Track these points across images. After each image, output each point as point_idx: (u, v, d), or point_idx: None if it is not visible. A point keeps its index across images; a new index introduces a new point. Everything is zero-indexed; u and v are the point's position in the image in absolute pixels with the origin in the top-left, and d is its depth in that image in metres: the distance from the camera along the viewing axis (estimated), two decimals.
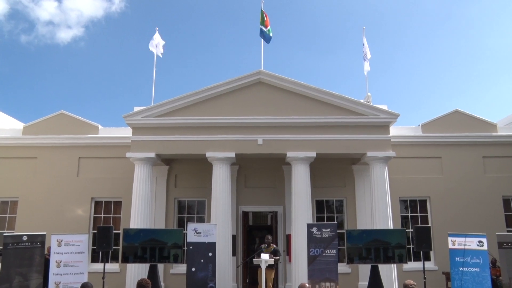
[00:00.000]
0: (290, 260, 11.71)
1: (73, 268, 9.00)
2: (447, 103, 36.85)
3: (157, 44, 13.26)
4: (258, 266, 9.80)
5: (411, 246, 12.04)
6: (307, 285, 6.40)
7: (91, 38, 36.87)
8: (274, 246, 10.50)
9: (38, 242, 8.82)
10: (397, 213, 12.58)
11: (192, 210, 13.18)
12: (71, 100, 35.32)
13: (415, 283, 6.12)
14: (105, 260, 9.64)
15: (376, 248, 9.09)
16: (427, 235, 9.07)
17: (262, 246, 10.41)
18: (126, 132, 12.81)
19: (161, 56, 13.37)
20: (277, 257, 10.21)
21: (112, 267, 12.15)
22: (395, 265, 10.50)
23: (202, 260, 9.54)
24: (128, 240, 9.47)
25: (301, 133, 11.25)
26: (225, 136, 11.23)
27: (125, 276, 10.84)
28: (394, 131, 12.74)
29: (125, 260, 9.48)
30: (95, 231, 10.68)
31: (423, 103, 36.86)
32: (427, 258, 12.21)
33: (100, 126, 13.38)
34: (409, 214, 12.97)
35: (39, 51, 35.79)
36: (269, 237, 10.50)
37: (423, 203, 12.97)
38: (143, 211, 11.00)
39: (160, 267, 11.64)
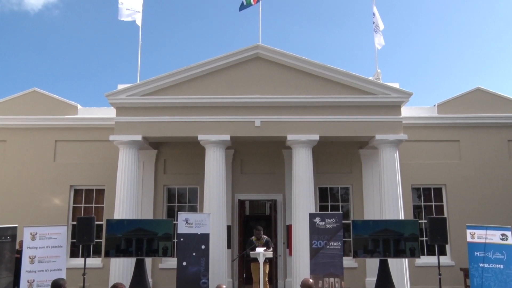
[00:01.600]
0: (290, 253, 11.77)
1: (49, 264, 8.88)
2: (467, 81, 36.15)
3: (129, 8, 12.86)
4: (252, 261, 10.06)
5: (424, 238, 12.07)
6: (310, 280, 6.35)
7: (67, 5, 35.32)
8: (266, 237, 10.53)
9: (8, 236, 8.64)
10: (409, 203, 12.55)
11: (183, 198, 13.19)
12: (44, 77, 34.28)
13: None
14: (86, 255, 9.48)
15: (385, 240, 9.04)
16: (443, 226, 9.01)
17: (252, 238, 10.42)
18: (108, 113, 12.70)
19: (138, 24, 13.02)
20: (270, 249, 10.13)
21: (94, 262, 12.11)
22: (406, 259, 10.49)
23: (194, 254, 9.51)
24: (111, 231, 9.37)
25: (303, 113, 11.20)
26: (219, 117, 11.18)
27: (109, 272, 10.81)
28: (406, 111, 12.64)
29: (108, 254, 9.41)
30: (75, 223, 10.69)
31: (440, 81, 36.19)
32: (442, 252, 12.25)
33: (79, 106, 13.24)
34: (423, 204, 12.94)
35: (4, 19, 34.07)
36: (260, 228, 10.52)
37: (438, 191, 12.93)
38: (128, 200, 10.95)
39: (148, 261, 11.63)
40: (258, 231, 10.38)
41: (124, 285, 5.91)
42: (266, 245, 10.13)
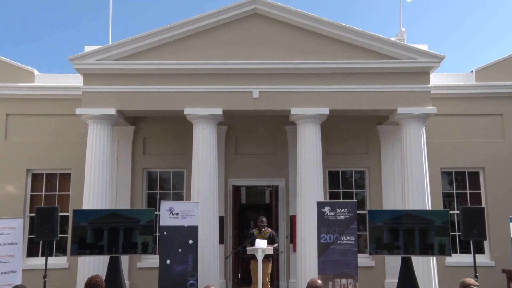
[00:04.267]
0: (294, 249, 11.78)
1: (1, 265, 8.73)
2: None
3: None
4: (252, 257, 10.12)
5: (456, 233, 12.07)
6: (319, 281, 6.32)
7: None
8: (270, 230, 10.67)
9: None
10: (438, 190, 12.47)
11: (166, 184, 13.18)
12: None
13: (477, 283, 5.90)
14: (47, 253, 9.40)
15: (408, 231, 9.05)
16: (480, 219, 8.97)
17: (254, 230, 10.57)
18: (74, 81, 12.52)
19: None
20: (275, 245, 10.41)
21: (57, 261, 12.07)
22: (434, 258, 10.45)
23: (180, 250, 9.54)
24: (78, 222, 9.30)
25: (310, 82, 11.13)
26: (209, 86, 11.11)
27: (76, 273, 10.76)
28: (436, 79, 12.44)
29: (73, 251, 9.35)
30: (33, 214, 10.53)
31: (479, 43, 35.42)
32: (479, 250, 12.21)
33: (36, 72, 13.03)
34: (455, 191, 12.87)
35: None
36: (264, 219, 10.65)
37: (474, 176, 12.85)
38: (100, 187, 10.85)
39: (124, 259, 11.51)
40: (261, 222, 10.48)
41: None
42: (271, 240, 10.28)
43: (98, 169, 10.93)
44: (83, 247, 9.23)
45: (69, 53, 26.25)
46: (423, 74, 11.16)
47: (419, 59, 11.06)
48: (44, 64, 35.05)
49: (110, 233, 9.27)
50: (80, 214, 9.40)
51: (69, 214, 11.06)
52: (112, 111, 11.00)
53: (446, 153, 12.60)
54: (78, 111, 11.07)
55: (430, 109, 11.01)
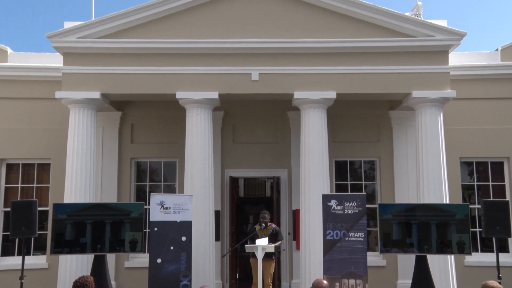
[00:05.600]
0: (298, 247, 11.85)
1: None
2: None
3: None
4: (252, 256, 10.20)
5: (477, 229, 12.07)
6: (325, 282, 6.30)
7: None
8: (274, 226, 10.76)
9: None
10: (457, 182, 12.44)
11: (157, 175, 13.20)
12: None
13: (500, 286, 5.88)
14: (24, 252, 9.38)
15: (423, 225, 9.04)
16: (504, 214, 8.95)
17: (256, 226, 10.71)
18: (53, 60, 12.45)
19: None
20: (278, 242, 10.48)
21: (36, 261, 12.10)
22: (453, 257, 10.46)
23: (172, 248, 9.56)
24: (58, 217, 9.26)
25: (315, 63, 11.08)
26: (204, 68, 11.06)
27: (57, 273, 10.74)
28: (455, 59, 12.37)
29: (53, 249, 9.31)
30: (8, 209, 10.59)
31: (504, 19, 35.30)
32: (503, 248, 12.22)
33: (9, 50, 12.98)
34: (475, 183, 12.88)
35: None
36: (266, 214, 10.72)
37: (497, 166, 12.85)
38: (83, 179, 10.80)
39: (110, 258, 11.54)
40: (263, 218, 10.57)
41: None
42: (274, 236, 10.33)
43: (81, 159, 10.87)
44: (60, 245, 9.17)
45: (47, 29, 26.09)
46: (441, 53, 11.08)
47: (437, 37, 10.97)
48: (18, 42, 35.03)
49: (94, 227, 9.24)
50: (61, 208, 9.35)
51: (49, 208, 11.02)
52: (96, 94, 10.92)
53: (466, 141, 12.55)
54: (58, 94, 11.00)
55: (449, 92, 10.94)
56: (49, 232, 9.74)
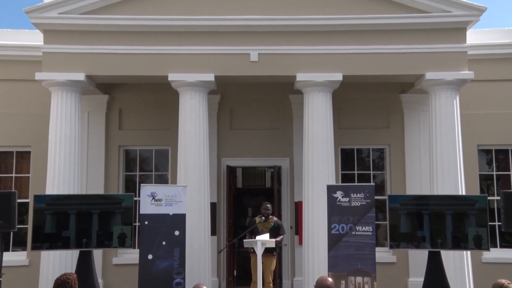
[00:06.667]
0: (300, 242, 11.80)
1: None
2: None
3: None
4: (251, 251, 10.08)
5: (496, 223, 12.06)
6: (330, 280, 6.20)
7: None
8: (276, 219, 10.78)
9: None
10: (474, 171, 12.48)
11: (147, 165, 13.24)
12: None
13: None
14: (2, 248, 9.31)
15: (437, 217, 8.98)
16: None
17: (256, 218, 10.72)
18: (32, 38, 12.38)
19: None
20: (279, 237, 10.50)
21: (15, 257, 12.18)
22: (469, 252, 10.46)
23: (164, 243, 9.56)
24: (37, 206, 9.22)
25: (319, 42, 11.05)
26: (199, 47, 11.04)
27: (38, 270, 10.73)
28: (473, 37, 12.29)
29: (33, 243, 9.25)
30: None
31: None
32: None
33: None
34: (494, 173, 12.91)
35: None
36: (268, 205, 10.72)
37: None
38: (67, 168, 10.76)
39: (97, 254, 11.53)
40: (265, 209, 10.56)
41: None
42: (275, 230, 10.31)
43: (64, 146, 10.82)
44: (39, 239, 9.13)
45: (24, 4, 25.85)
46: (458, 31, 11.04)
47: (454, 12, 10.92)
48: None
49: (79, 219, 9.17)
50: (42, 200, 9.32)
51: (29, 200, 11.00)
52: (80, 76, 10.88)
53: (485, 127, 12.55)
54: (38, 76, 10.94)
55: (466, 73, 10.90)
56: (29, 226, 9.74)
